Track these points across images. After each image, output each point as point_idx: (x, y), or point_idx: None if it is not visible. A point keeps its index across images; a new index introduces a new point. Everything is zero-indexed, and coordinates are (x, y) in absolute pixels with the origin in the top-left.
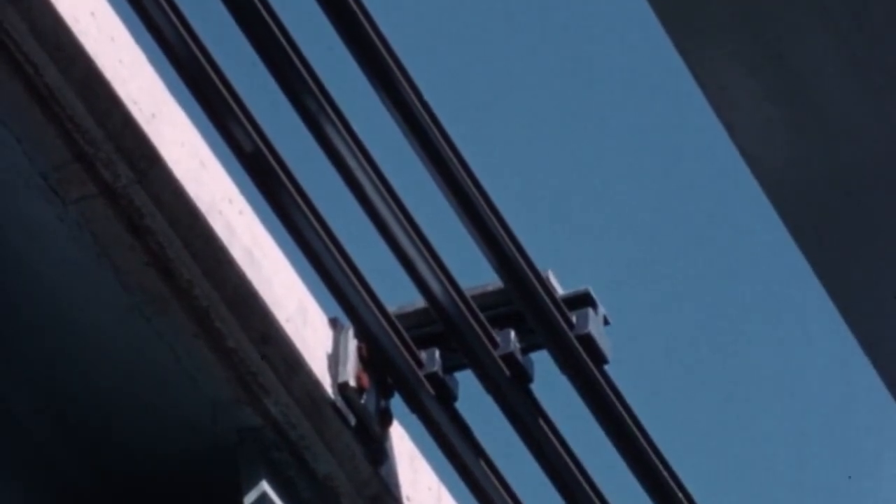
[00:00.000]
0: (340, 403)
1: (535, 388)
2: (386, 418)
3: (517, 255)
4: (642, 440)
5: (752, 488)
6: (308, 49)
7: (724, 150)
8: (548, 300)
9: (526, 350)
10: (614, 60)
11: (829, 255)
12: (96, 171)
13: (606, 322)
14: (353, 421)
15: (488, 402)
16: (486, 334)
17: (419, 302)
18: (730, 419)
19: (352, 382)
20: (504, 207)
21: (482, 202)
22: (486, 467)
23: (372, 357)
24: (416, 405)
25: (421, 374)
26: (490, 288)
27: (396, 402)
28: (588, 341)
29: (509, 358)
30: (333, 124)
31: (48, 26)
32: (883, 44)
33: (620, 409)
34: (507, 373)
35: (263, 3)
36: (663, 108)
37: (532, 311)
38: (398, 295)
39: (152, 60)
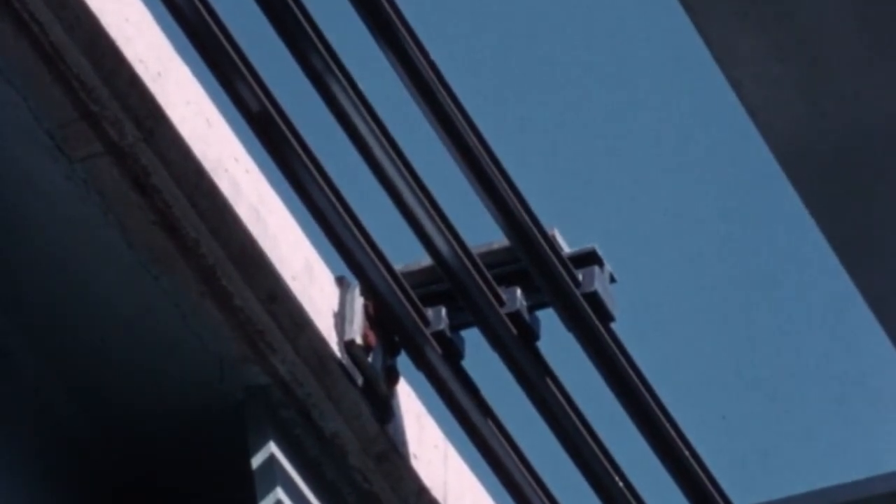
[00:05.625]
0: (347, 361)
1: (542, 345)
2: (392, 376)
3: (523, 212)
4: (648, 397)
5: (759, 445)
6: (313, 7)
7: (732, 108)
8: (554, 258)
9: (532, 308)
10: (620, 17)
11: (836, 212)
12: (102, 130)
13: (612, 280)
14: (359, 379)
15: (495, 359)
16: (492, 292)
17: (425, 260)
18: (736, 376)
19: (358, 340)
20: (510, 165)
21: (488, 160)
22: (492, 425)
23: (378, 315)
24: (422, 363)
25: (427, 332)
26: (496, 246)
27: (403, 360)
28: (594, 299)
29: (515, 316)
30: (339, 83)
31: None
32: (892, 1)
33: (626, 366)
34: (514, 331)
35: None
36: (670, 65)
37: (538, 269)
38: (404, 253)
39: (158, 19)
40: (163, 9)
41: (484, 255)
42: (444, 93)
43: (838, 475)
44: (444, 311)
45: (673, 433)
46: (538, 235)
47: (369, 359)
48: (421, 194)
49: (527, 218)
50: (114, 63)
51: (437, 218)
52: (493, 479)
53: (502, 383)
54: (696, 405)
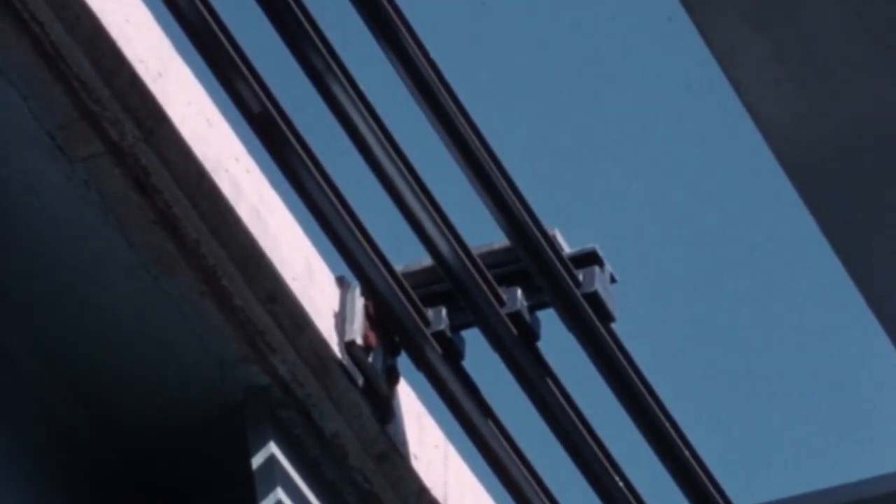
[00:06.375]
0: (347, 362)
1: (542, 346)
2: (393, 376)
3: (524, 213)
4: (648, 397)
5: (758, 444)
6: (314, 7)
7: (733, 107)
8: (554, 258)
9: (532, 308)
10: (622, 17)
11: (837, 213)
12: (103, 130)
13: (613, 280)
14: (360, 379)
15: (495, 360)
16: (492, 292)
17: (426, 260)
18: (736, 376)
19: (359, 341)
20: (511, 165)
21: (489, 160)
22: (492, 425)
23: (379, 315)
24: (422, 363)
25: (428, 332)
26: (497, 246)
27: (403, 361)
28: (594, 299)
29: (516, 316)
30: (340, 83)
31: None
32: (893, 1)
33: (626, 366)
34: (514, 331)
35: None
36: (670, 64)
37: (538, 270)
38: (405, 253)
39: (159, 19)
40: (163, 9)
41: (484, 256)
42: (444, 92)
43: (838, 475)
44: (444, 311)
45: (673, 433)
46: (539, 235)
47: (370, 359)
48: (421, 194)
49: (527, 218)
50: (114, 63)
51: (437, 218)
52: (494, 480)
53: (502, 383)
54: (696, 405)
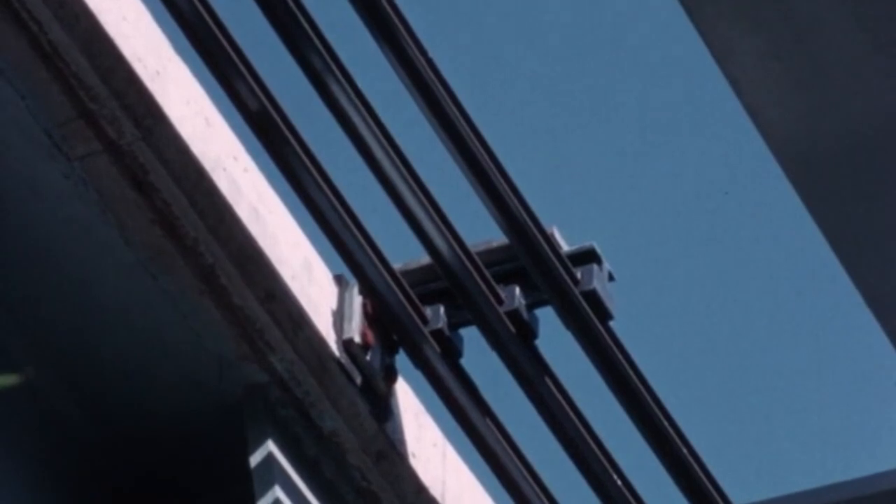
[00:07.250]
0: (345, 360)
1: (540, 344)
2: (391, 375)
3: (522, 211)
4: (647, 396)
5: (758, 443)
6: (312, 6)
7: (732, 107)
8: (552, 256)
9: (531, 306)
10: (620, 17)
11: (835, 212)
12: (101, 128)
13: (611, 278)
14: (358, 378)
15: (493, 358)
16: (490, 290)
17: (424, 258)
18: (736, 375)
19: (357, 339)
20: (509, 163)
21: (487, 158)
22: (490, 423)
23: (377, 314)
24: (420, 362)
25: (426, 330)
26: (495, 244)
27: (401, 359)
28: (593, 297)
29: (514, 314)
30: (338, 82)
31: None
32: (891, 0)
33: (625, 364)
34: (512, 329)
35: None
36: (670, 64)
37: (537, 268)
38: (403, 251)
39: (157, 18)
40: (161, 7)
41: (482, 254)
42: (442, 91)
43: (838, 474)
44: (442, 309)
45: (672, 432)
46: (537, 233)
47: (368, 357)
48: (420, 192)
49: (525, 216)
50: (112, 61)
51: (435, 216)
52: (492, 478)
53: (501, 382)
54: (695, 404)
